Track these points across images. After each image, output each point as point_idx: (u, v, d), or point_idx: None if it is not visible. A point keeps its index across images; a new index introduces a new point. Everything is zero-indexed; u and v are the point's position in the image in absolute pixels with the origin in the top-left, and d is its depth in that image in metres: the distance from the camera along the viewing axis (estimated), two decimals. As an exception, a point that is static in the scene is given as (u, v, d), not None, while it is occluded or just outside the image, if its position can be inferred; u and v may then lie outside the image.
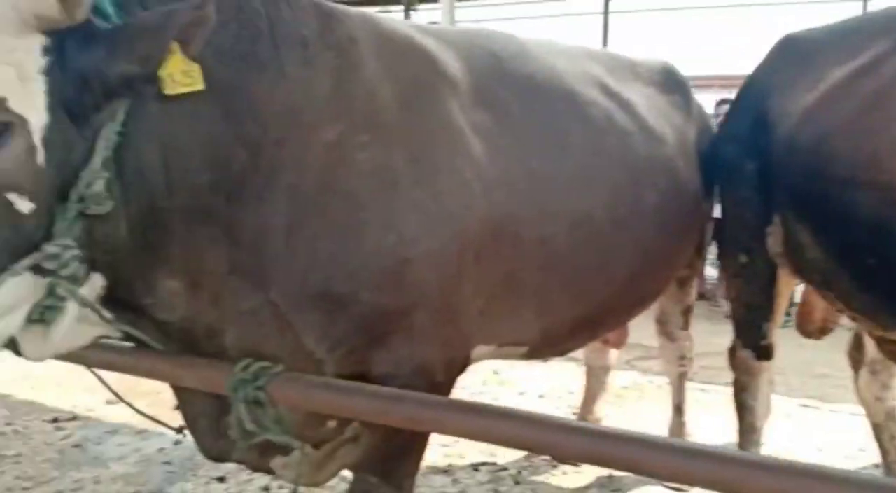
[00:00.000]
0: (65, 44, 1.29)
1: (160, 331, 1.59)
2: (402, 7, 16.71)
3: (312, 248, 1.56)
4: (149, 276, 1.49)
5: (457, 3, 10.12)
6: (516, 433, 1.28)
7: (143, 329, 1.56)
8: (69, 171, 1.29)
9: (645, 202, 2.27)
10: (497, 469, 3.43)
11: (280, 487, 3.13)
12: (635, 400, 4.36)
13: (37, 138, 1.25)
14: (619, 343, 3.52)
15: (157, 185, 1.42)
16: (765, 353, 2.70)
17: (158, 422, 2.00)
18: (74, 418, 3.93)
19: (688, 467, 1.11)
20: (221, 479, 3.22)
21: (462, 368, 1.89)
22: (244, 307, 1.58)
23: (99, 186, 1.30)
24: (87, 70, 1.30)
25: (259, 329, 1.61)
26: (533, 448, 1.47)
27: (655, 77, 2.77)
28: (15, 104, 1.23)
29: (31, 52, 1.25)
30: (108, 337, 1.65)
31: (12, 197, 1.23)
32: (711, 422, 4.07)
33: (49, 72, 1.26)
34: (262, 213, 1.53)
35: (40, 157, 1.26)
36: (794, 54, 2.53)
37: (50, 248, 1.26)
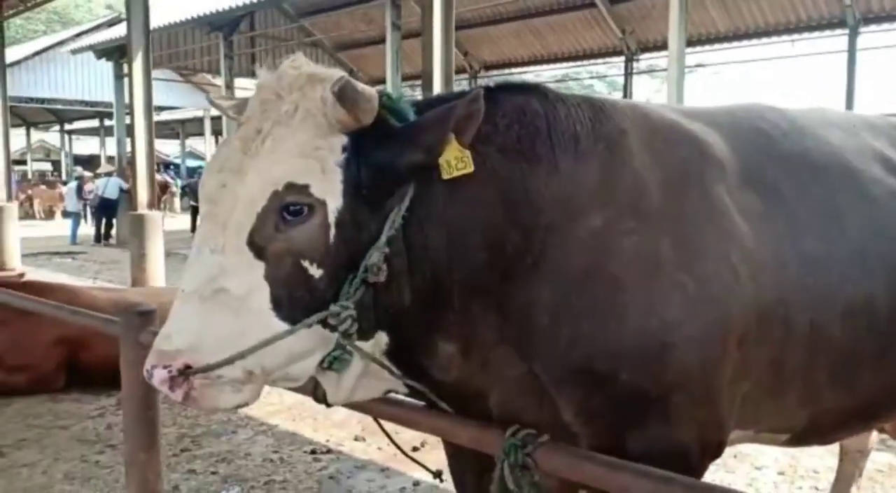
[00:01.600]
0: (362, 141, 1.57)
1: (435, 390, 1.79)
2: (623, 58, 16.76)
3: (575, 326, 1.65)
4: (428, 339, 1.70)
5: (687, 49, 9.97)
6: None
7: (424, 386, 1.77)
8: (358, 246, 1.55)
9: None
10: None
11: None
12: (892, 487, 3.93)
13: (331, 219, 1.52)
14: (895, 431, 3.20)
15: (439, 261, 1.64)
16: None
17: (422, 466, 2.22)
18: (328, 451, 4.40)
19: None
20: (457, 523, 3.42)
21: (717, 452, 1.86)
22: (509, 375, 1.74)
23: (379, 259, 1.54)
24: (380, 161, 1.57)
25: (521, 397, 1.75)
26: None
27: None
28: (316, 191, 1.51)
29: (333, 150, 1.55)
30: (395, 391, 1.92)
31: (305, 264, 1.51)
32: None
33: (346, 165, 1.55)
34: (530, 290, 1.67)
35: (332, 233, 1.53)
36: None
37: (333, 307, 1.52)
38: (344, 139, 1.56)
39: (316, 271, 1.52)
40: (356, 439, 4.56)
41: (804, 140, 2.09)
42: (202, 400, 1.49)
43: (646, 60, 17.46)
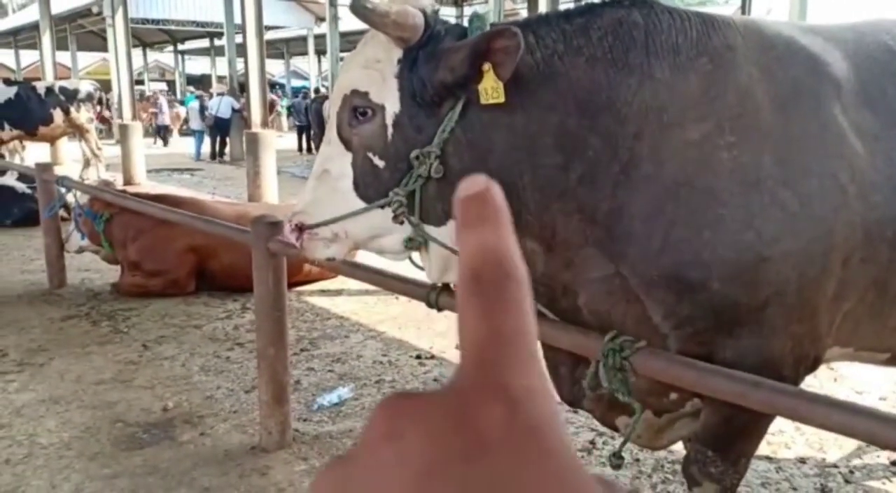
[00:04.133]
0: (417, 56, 1.75)
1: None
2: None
3: (667, 233, 1.71)
4: None
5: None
6: (875, 432, 1.36)
7: None
8: (416, 145, 1.76)
9: None
10: (826, 465, 3.35)
11: (605, 442, 3.46)
12: None
13: (388, 120, 1.78)
14: None
15: (505, 162, 1.75)
16: None
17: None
18: (432, 356, 4.71)
19: None
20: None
21: (813, 366, 1.90)
22: (596, 276, 1.83)
23: (425, 155, 1.74)
24: (422, 75, 1.75)
25: (609, 297, 1.84)
26: (891, 448, 1.50)
27: None
28: (375, 96, 1.78)
29: (391, 62, 1.77)
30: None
31: (371, 155, 1.81)
32: None
33: (400, 75, 1.76)
34: (619, 196, 1.73)
35: (390, 132, 1.78)
36: None
37: (391, 194, 1.79)
38: (399, 53, 1.77)
39: (380, 162, 1.81)
40: (457, 347, 4.82)
41: None
42: (307, 250, 1.92)
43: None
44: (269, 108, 15.62)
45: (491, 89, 1.69)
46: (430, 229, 1.84)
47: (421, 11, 1.75)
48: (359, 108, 1.81)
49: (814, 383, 4.19)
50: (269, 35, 28.89)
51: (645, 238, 1.72)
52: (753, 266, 1.69)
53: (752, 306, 1.73)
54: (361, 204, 1.84)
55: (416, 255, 1.98)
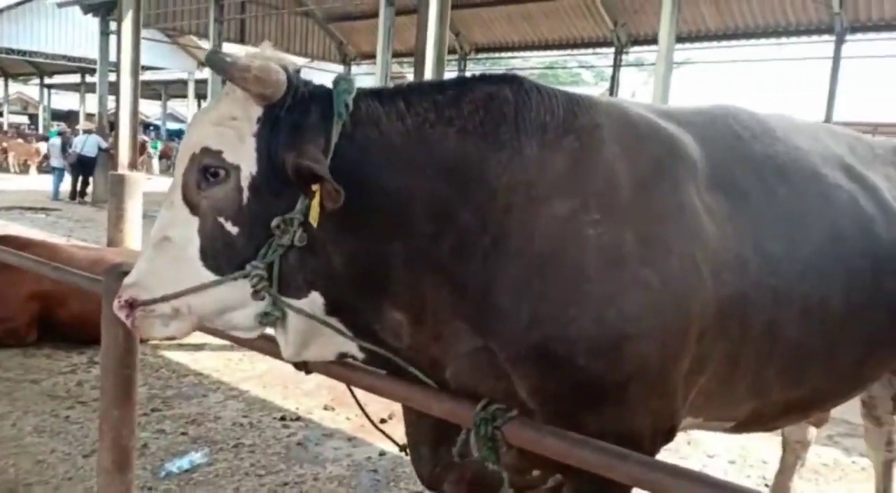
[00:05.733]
0: (279, 117, 1.66)
1: (397, 356, 1.83)
2: (612, 50, 16.84)
3: (535, 309, 1.70)
4: (373, 305, 1.76)
5: (676, 45, 10.06)
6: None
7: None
8: (275, 211, 1.64)
9: (883, 290, 2.18)
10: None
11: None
12: (835, 480, 4.13)
13: (244, 183, 1.65)
14: (819, 423, 3.38)
15: (374, 229, 1.69)
16: None
17: (389, 438, 2.31)
18: (298, 418, 4.48)
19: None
20: (420, 494, 3.54)
21: (669, 437, 1.95)
22: (464, 350, 1.79)
23: (285, 223, 1.63)
24: (277, 142, 1.65)
25: (476, 372, 1.81)
26: None
27: (892, 157, 2.68)
28: (229, 156, 1.65)
29: (250, 120, 1.66)
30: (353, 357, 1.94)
31: (222, 220, 1.66)
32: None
33: (259, 136, 1.65)
34: (489, 270, 1.72)
35: (246, 196, 1.65)
36: None
37: (248, 266, 1.64)
38: (259, 111, 1.67)
39: (232, 229, 1.66)
40: (325, 408, 4.65)
41: (774, 143, 2.18)
42: (141, 328, 1.73)
43: (635, 53, 17.54)
44: (140, 149, 14.91)
45: (314, 212, 1.60)
46: (290, 303, 1.71)
47: (283, 68, 1.67)
48: (210, 168, 1.66)
49: (670, 446, 4.33)
50: (146, 76, 27.98)
51: (514, 313, 1.71)
52: (616, 342, 1.71)
53: (616, 381, 1.75)
54: (209, 275, 1.67)
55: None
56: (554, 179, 1.76)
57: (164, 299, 1.68)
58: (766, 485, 3.84)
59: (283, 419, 4.45)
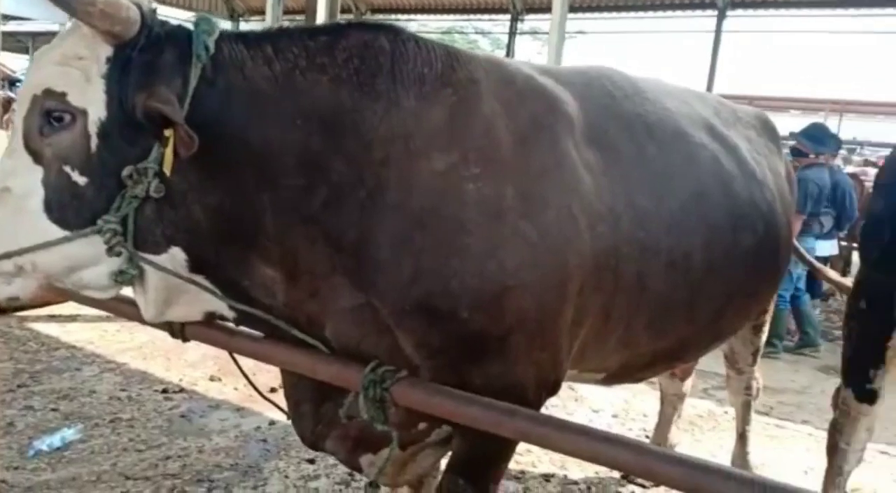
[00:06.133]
0: (131, 58, 1.53)
1: (271, 315, 1.76)
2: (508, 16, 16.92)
3: (417, 262, 1.68)
4: (242, 260, 1.68)
5: (569, 15, 10.21)
6: (618, 456, 1.42)
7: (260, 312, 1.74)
8: (128, 160, 1.52)
9: (741, 245, 2.31)
10: (567, 482, 3.57)
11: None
12: (709, 429, 4.40)
13: (92, 129, 1.51)
14: (685, 375, 3.60)
15: (240, 181, 1.60)
16: (868, 396, 2.68)
17: (278, 407, 2.23)
18: (181, 390, 4.28)
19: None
20: (311, 461, 3.47)
21: (553, 390, 1.99)
22: (343, 306, 1.75)
23: (139, 173, 1.52)
24: (131, 82, 1.53)
25: (358, 328, 1.77)
26: (632, 472, 1.60)
27: (754, 122, 2.84)
28: (75, 99, 1.51)
29: (98, 60, 1.52)
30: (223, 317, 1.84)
31: (68, 170, 1.52)
32: (785, 457, 4.09)
33: (109, 77, 1.52)
34: (367, 223, 1.67)
35: (94, 143, 1.52)
36: None
37: (100, 221, 1.53)
38: (109, 50, 1.53)
39: (80, 179, 1.53)
40: (211, 379, 4.46)
41: (644, 103, 2.25)
42: None
43: (530, 21, 17.70)
44: (6, 106, 13.68)
45: (168, 160, 1.49)
46: (149, 259, 1.60)
47: (136, 5, 1.53)
48: (53, 111, 1.52)
49: (557, 403, 4.50)
50: (9, 26, 25.56)
51: (395, 267, 1.68)
52: (498, 296, 1.72)
53: (498, 334, 1.76)
54: (55, 229, 1.53)
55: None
56: (432, 132, 1.72)
57: (7, 255, 1.53)
58: (647, 436, 4.04)
59: (164, 391, 4.23)
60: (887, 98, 18.88)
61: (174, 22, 1.69)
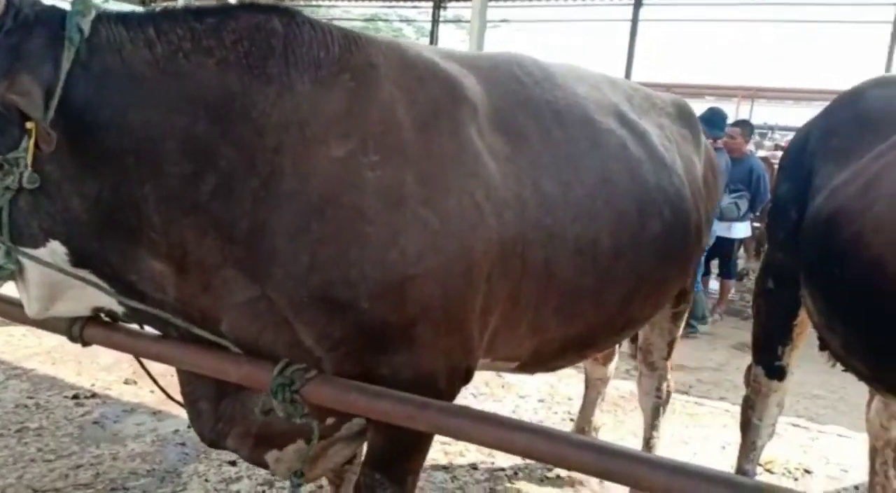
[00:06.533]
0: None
1: (163, 310, 1.68)
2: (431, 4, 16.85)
3: (315, 252, 1.62)
4: (127, 253, 1.60)
5: (490, 3, 10.22)
6: (531, 445, 1.42)
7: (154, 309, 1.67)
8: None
9: (649, 231, 2.32)
10: (494, 469, 3.59)
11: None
12: (631, 410, 4.50)
13: None
14: (607, 360, 3.63)
15: (120, 169, 1.52)
16: (777, 373, 2.77)
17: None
18: (94, 395, 4.08)
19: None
20: (233, 463, 3.37)
21: (466, 378, 1.97)
22: (238, 299, 1.68)
23: (21, 164, 1.43)
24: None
25: (255, 322, 1.70)
26: (545, 460, 1.60)
27: (669, 109, 2.87)
28: None
29: None
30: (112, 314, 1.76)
31: None
32: (702, 434, 4.23)
33: None
34: (261, 213, 1.60)
35: None
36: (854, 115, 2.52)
37: None
38: None
39: None
40: (126, 382, 4.27)
41: (553, 89, 2.24)
42: None
43: (453, 9, 17.68)
44: None
45: (30, 153, 1.42)
46: (27, 252, 1.51)
47: None
48: None
49: (485, 389, 4.53)
50: None
51: (291, 257, 1.62)
52: (399, 284, 1.69)
53: (401, 323, 1.73)
54: None
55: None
56: (329, 118, 1.67)
57: None
58: (572, 419, 4.11)
59: (76, 397, 4.03)
60: (796, 85, 19.72)
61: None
